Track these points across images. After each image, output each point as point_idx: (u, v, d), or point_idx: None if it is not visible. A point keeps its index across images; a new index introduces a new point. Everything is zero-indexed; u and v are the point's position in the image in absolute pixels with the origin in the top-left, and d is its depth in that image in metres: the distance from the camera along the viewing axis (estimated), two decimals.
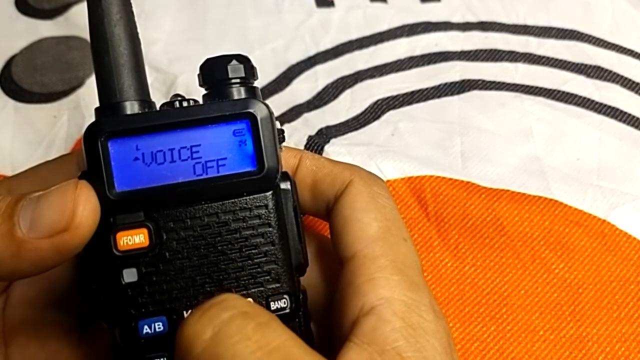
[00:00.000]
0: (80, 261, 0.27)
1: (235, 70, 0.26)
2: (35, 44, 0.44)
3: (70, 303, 0.28)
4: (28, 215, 0.22)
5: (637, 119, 0.43)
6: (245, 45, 0.46)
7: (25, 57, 0.44)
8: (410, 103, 0.43)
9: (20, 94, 0.42)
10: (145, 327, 0.24)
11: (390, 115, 0.43)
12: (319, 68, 0.45)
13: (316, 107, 0.43)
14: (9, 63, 0.44)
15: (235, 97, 0.26)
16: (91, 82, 0.43)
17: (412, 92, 0.44)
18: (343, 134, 0.41)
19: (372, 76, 0.45)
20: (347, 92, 0.44)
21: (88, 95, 0.42)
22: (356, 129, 0.42)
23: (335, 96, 0.44)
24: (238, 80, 0.26)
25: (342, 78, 0.45)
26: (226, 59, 0.26)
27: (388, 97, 0.43)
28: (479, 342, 0.34)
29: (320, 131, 0.41)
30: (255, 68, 0.27)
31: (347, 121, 0.42)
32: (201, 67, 0.27)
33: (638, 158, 0.41)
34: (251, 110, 0.25)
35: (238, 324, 0.20)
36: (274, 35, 0.47)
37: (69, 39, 0.45)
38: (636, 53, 0.47)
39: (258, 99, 0.26)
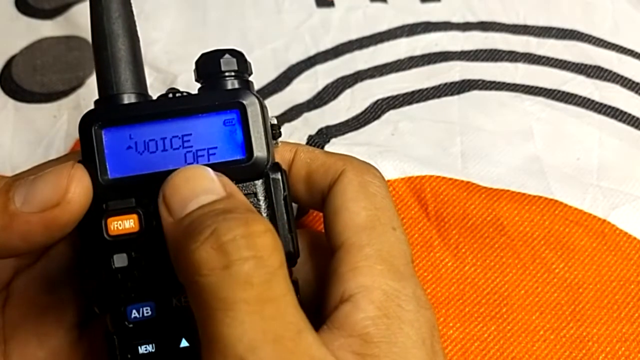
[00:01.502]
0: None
1: (227, 64, 0.26)
2: (36, 43, 0.44)
3: (70, 301, 0.28)
4: (23, 192, 0.23)
5: (637, 119, 0.43)
6: (245, 45, 0.46)
7: (26, 57, 0.44)
8: (410, 103, 0.43)
9: (21, 94, 0.42)
10: (134, 311, 0.25)
11: (390, 115, 0.43)
12: (319, 68, 0.45)
13: (316, 106, 0.43)
14: (9, 63, 0.44)
15: (229, 88, 0.26)
16: (91, 82, 0.43)
17: (412, 92, 0.44)
18: (343, 133, 0.41)
19: (372, 76, 0.45)
20: (347, 92, 0.44)
21: (88, 95, 0.42)
22: (356, 128, 0.42)
23: (335, 96, 0.44)
24: (231, 74, 0.26)
25: (342, 78, 0.45)
26: (219, 53, 0.27)
27: (388, 97, 0.43)
28: (479, 342, 0.34)
29: (320, 131, 0.41)
30: (249, 63, 0.27)
31: (347, 121, 0.42)
32: (196, 62, 0.27)
33: (638, 158, 0.41)
34: (241, 100, 0.25)
35: (250, 267, 0.20)
36: (274, 35, 0.47)
37: (69, 38, 0.45)
38: (636, 53, 0.47)
39: (250, 91, 0.26)
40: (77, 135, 0.40)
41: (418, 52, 0.46)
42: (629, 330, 0.34)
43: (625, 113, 0.44)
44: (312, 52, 0.46)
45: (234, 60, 0.27)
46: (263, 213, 0.25)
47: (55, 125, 0.41)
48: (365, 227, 0.26)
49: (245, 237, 0.21)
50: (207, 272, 0.20)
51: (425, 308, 0.25)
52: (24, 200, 0.23)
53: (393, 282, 0.24)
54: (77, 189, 0.23)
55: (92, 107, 0.41)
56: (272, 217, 0.26)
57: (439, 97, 0.44)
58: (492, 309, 0.35)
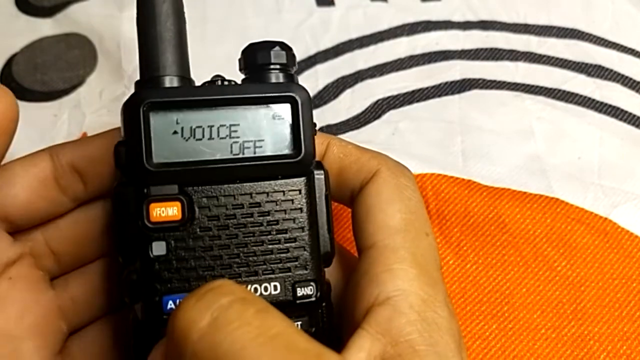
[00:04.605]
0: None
1: (277, 56, 0.26)
2: (36, 42, 0.44)
3: (46, 332, 0.27)
4: None
5: (638, 118, 0.43)
6: (245, 44, 0.46)
7: (26, 56, 0.44)
8: (410, 102, 0.43)
9: (21, 93, 0.42)
10: (170, 302, 0.24)
11: (391, 115, 0.43)
12: (319, 67, 0.45)
13: (317, 106, 0.43)
14: (9, 62, 0.43)
15: (274, 81, 0.26)
16: (91, 80, 0.43)
17: (413, 92, 0.44)
18: (343, 132, 0.41)
19: (372, 75, 0.45)
20: (348, 91, 0.44)
21: (88, 93, 0.42)
22: (357, 128, 0.42)
23: (336, 96, 0.44)
24: (279, 66, 0.26)
25: (343, 77, 0.45)
26: (270, 44, 0.26)
27: (389, 97, 0.43)
28: (481, 340, 0.34)
29: (320, 130, 0.41)
30: (295, 57, 0.27)
31: (347, 120, 0.42)
32: (243, 52, 0.27)
33: (639, 157, 0.41)
34: (293, 94, 0.25)
35: (237, 309, 0.20)
36: (274, 34, 0.46)
37: (69, 36, 0.45)
38: (637, 52, 0.47)
39: (300, 85, 0.26)
40: (77, 134, 0.40)
41: (418, 51, 0.46)
42: (631, 329, 0.34)
43: (626, 112, 0.44)
44: (312, 52, 0.46)
45: (284, 53, 0.26)
46: (305, 210, 0.25)
47: (56, 124, 0.41)
48: (400, 230, 0.26)
49: (217, 287, 0.21)
50: (198, 332, 0.20)
51: (453, 316, 0.25)
52: None
53: (428, 287, 0.24)
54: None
55: (92, 105, 0.42)
56: (313, 215, 0.25)
57: (439, 96, 0.44)
58: (493, 307, 0.34)
